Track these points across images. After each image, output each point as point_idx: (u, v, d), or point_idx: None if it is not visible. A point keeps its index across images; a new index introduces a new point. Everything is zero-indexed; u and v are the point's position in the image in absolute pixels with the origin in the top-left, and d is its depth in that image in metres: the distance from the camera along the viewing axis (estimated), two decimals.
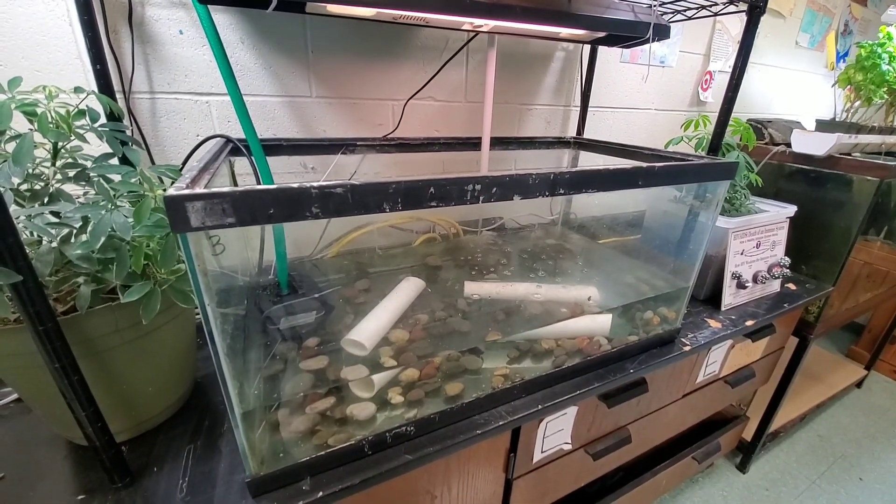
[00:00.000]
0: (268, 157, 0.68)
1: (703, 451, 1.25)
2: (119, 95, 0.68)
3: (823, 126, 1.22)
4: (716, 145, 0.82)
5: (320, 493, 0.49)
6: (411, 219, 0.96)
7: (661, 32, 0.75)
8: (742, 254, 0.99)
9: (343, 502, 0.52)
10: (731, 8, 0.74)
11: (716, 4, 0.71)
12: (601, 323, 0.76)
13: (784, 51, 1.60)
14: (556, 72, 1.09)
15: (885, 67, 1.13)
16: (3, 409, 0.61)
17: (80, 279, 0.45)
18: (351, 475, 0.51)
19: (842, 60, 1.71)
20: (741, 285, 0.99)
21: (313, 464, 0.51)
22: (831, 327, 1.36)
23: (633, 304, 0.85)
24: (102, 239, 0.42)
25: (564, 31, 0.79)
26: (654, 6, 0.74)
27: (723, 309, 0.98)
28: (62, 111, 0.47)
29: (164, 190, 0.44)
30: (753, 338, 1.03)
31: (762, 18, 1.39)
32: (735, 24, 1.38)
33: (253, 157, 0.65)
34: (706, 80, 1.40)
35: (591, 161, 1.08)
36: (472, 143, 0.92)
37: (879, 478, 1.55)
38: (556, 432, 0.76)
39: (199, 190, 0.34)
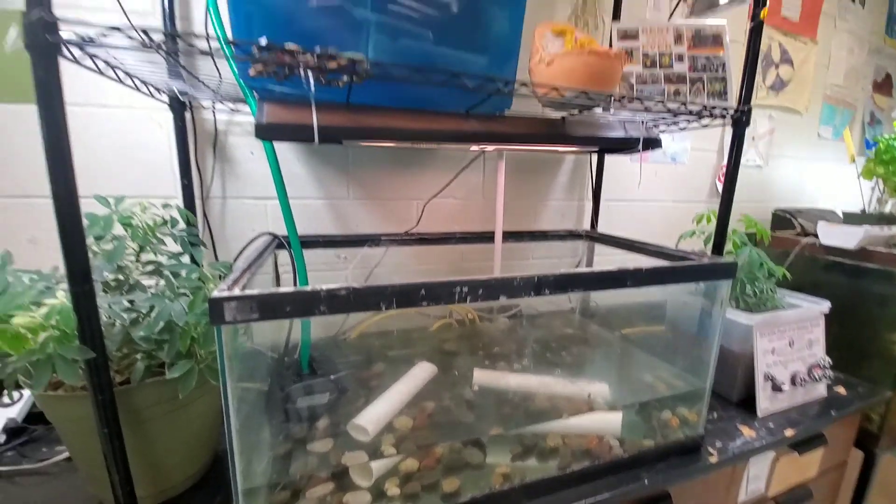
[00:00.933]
0: (307, 250, 0.80)
1: None
2: (198, 200, 0.86)
3: (851, 218, 1.20)
4: (719, 242, 0.84)
5: None
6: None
7: (652, 144, 0.83)
8: (773, 353, 0.94)
9: None
10: (719, 121, 0.82)
11: (703, 117, 0.79)
12: (611, 421, 0.75)
13: (806, 143, 1.63)
14: (567, 172, 1.20)
15: None
16: (53, 467, 0.69)
17: (138, 356, 0.55)
18: None
19: (871, 150, 1.71)
20: (777, 388, 0.93)
21: None
22: None
23: (647, 402, 0.82)
24: (162, 323, 0.53)
25: (562, 149, 0.90)
26: (644, 122, 0.83)
27: (759, 415, 0.91)
28: (150, 222, 0.61)
29: (216, 284, 0.54)
30: (800, 450, 0.93)
31: (779, 115, 1.46)
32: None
33: (292, 251, 0.77)
34: (722, 173, 1.44)
35: (603, 252, 1.12)
36: (488, 237, 1.01)
37: None
38: None
39: (234, 293, 0.43)
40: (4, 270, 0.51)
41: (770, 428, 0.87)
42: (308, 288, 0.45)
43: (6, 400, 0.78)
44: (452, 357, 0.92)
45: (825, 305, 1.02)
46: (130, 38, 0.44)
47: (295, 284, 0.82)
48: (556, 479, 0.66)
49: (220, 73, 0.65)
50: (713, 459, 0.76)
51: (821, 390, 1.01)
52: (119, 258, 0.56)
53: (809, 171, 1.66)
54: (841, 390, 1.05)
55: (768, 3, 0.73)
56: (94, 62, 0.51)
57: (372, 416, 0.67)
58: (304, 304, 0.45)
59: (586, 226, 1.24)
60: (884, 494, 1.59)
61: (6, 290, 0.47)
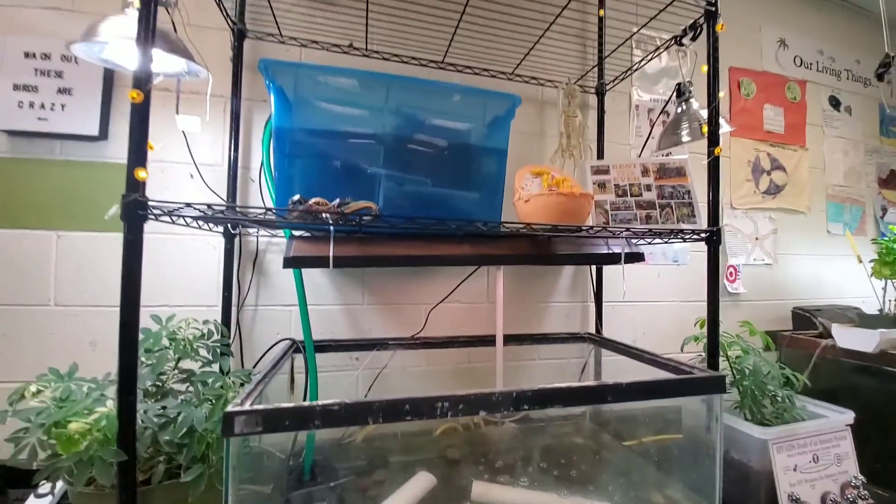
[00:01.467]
0: (322, 354, 0.90)
1: None
2: (234, 308, 1.00)
3: (867, 320, 1.17)
4: (712, 352, 0.85)
5: None
6: None
7: (635, 258, 0.91)
8: (795, 470, 0.88)
9: None
10: (695, 236, 0.89)
11: (681, 233, 0.87)
12: None
13: (816, 240, 1.64)
14: (568, 276, 1.28)
15: None
16: None
17: (161, 458, 0.63)
18: None
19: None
20: None
21: None
22: None
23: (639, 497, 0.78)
24: (185, 429, 0.61)
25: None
26: (628, 241, 0.92)
27: None
28: (191, 335, 0.73)
29: (236, 393, 0.63)
30: None
31: (780, 216, 1.51)
32: (747, 224, 1.52)
33: (307, 359, 0.86)
34: (730, 273, 1.47)
35: (608, 354, 1.14)
36: (491, 340, 1.06)
37: None
38: None
39: (244, 408, 0.52)
40: (71, 379, 0.63)
41: None
42: (305, 404, 0.53)
43: (41, 491, 0.85)
44: (453, 465, 0.92)
45: (849, 415, 0.96)
46: (199, 210, 0.60)
47: (306, 388, 0.89)
48: None
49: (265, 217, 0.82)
50: None
51: None
52: (161, 369, 0.67)
53: (825, 267, 1.65)
54: None
55: (720, 141, 0.85)
56: (170, 219, 0.67)
57: None
58: (302, 418, 0.52)
59: (592, 328, 1.27)
60: None
61: (69, 398, 0.58)
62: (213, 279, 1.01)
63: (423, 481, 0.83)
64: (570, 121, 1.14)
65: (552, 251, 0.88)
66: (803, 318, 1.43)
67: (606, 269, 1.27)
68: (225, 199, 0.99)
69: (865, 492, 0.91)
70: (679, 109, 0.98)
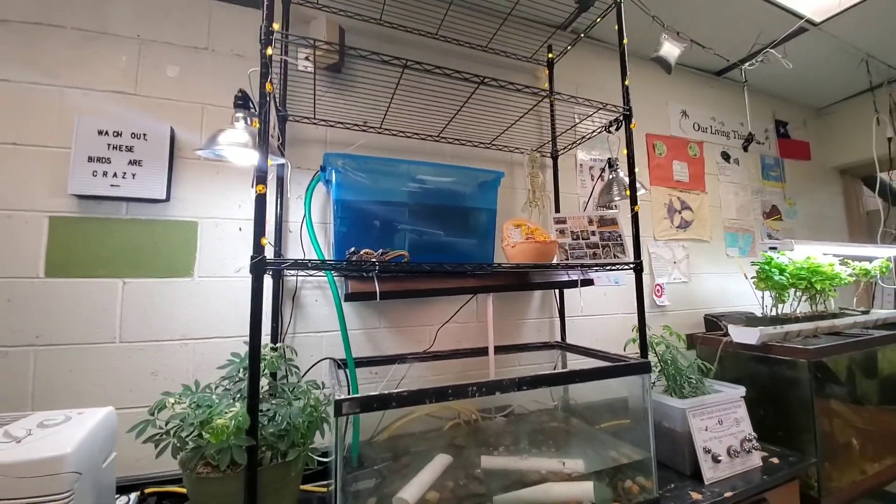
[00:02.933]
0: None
1: None
2: (280, 335, 1.22)
3: (753, 321, 1.60)
4: (643, 347, 1.20)
5: None
6: (442, 408, 1.32)
7: (588, 283, 1.26)
8: (707, 430, 1.23)
9: None
10: (625, 267, 1.25)
11: (616, 265, 1.23)
12: (585, 489, 1.01)
13: (718, 262, 2.13)
14: (538, 298, 1.61)
15: (777, 278, 1.58)
16: None
17: (264, 447, 0.85)
18: None
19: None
20: (716, 459, 1.20)
21: None
22: (848, 500, 1.38)
23: (613, 473, 1.09)
24: (284, 423, 0.84)
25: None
26: (582, 271, 1.27)
27: (706, 482, 1.16)
28: (269, 356, 0.96)
29: (312, 394, 0.87)
30: None
31: (690, 245, 1.92)
32: (667, 252, 1.96)
33: (348, 371, 1.11)
34: (657, 289, 1.88)
35: (571, 357, 1.47)
36: (483, 352, 1.35)
37: None
38: None
39: (348, 396, 0.77)
40: (206, 392, 0.84)
41: (715, 492, 1.12)
42: (385, 392, 0.79)
43: (120, 499, 1.01)
44: (462, 449, 1.19)
45: (742, 390, 1.35)
46: (301, 264, 0.86)
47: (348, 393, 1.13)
48: None
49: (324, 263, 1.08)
50: None
51: (756, 460, 1.27)
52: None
53: (727, 282, 2.12)
54: (774, 460, 1.30)
55: (638, 201, 1.24)
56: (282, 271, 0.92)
57: (410, 492, 0.93)
58: (383, 401, 0.79)
59: (558, 337, 1.60)
60: None
61: (212, 405, 0.80)
62: (267, 313, 1.23)
63: (442, 460, 1.08)
64: (534, 180, 1.51)
65: (530, 280, 1.21)
66: (712, 322, 1.86)
67: (567, 291, 1.62)
68: (274, 248, 1.23)
69: (756, 444, 1.28)
70: (610, 177, 1.37)
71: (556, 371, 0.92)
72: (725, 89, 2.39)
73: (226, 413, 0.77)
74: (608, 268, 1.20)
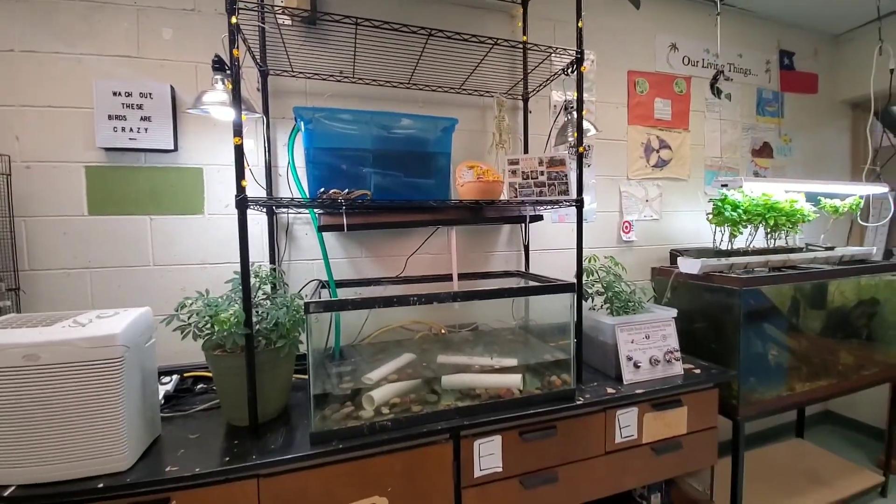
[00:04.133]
0: (338, 289, 1.40)
1: None
2: (276, 262, 1.49)
3: (702, 253, 1.74)
4: (578, 273, 1.39)
5: (341, 446, 1.04)
6: (413, 322, 1.59)
7: (537, 219, 1.44)
8: (633, 342, 1.45)
9: (344, 463, 1.05)
10: (567, 205, 1.40)
11: (563, 204, 1.38)
12: (514, 379, 1.27)
13: (695, 200, 2.21)
14: (506, 233, 1.80)
15: (728, 213, 1.69)
16: (197, 413, 1.25)
17: (260, 338, 1.14)
18: (354, 440, 1.06)
19: None
20: (636, 365, 1.43)
21: (341, 433, 1.06)
22: (764, 412, 1.61)
23: (542, 371, 1.34)
24: (273, 321, 1.12)
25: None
26: (528, 206, 1.44)
27: (625, 383, 1.41)
28: (264, 274, 1.22)
29: (299, 304, 1.14)
30: (660, 409, 1.40)
31: (666, 183, 2.02)
32: (640, 191, 2.06)
33: (330, 289, 1.37)
34: (626, 226, 2.02)
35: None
36: (449, 277, 1.59)
37: None
38: (488, 455, 1.21)
39: (313, 300, 1.03)
40: (214, 298, 1.13)
41: (628, 389, 1.36)
42: (341, 298, 1.04)
43: (165, 380, 1.36)
44: (427, 352, 1.47)
45: (673, 312, 1.54)
46: (269, 202, 1.09)
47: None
48: (477, 405, 1.19)
49: (293, 201, 1.30)
50: (580, 401, 1.26)
51: (677, 370, 1.50)
52: (257, 290, 1.17)
53: (701, 221, 2.21)
54: (697, 371, 1.53)
55: (584, 140, 1.36)
56: (260, 208, 1.15)
57: (376, 373, 1.22)
58: (341, 305, 1.04)
59: (524, 269, 1.81)
60: (810, 479, 1.96)
61: (215, 305, 1.08)
62: (259, 243, 1.49)
63: (407, 357, 1.37)
64: (500, 123, 1.63)
65: (484, 215, 1.39)
66: (675, 256, 2.00)
67: (533, 227, 1.80)
68: (265, 189, 1.46)
69: (678, 356, 1.50)
70: (566, 119, 1.47)
71: (487, 288, 1.13)
72: (724, 17, 2.27)
73: (227, 310, 1.05)
74: (552, 205, 1.37)
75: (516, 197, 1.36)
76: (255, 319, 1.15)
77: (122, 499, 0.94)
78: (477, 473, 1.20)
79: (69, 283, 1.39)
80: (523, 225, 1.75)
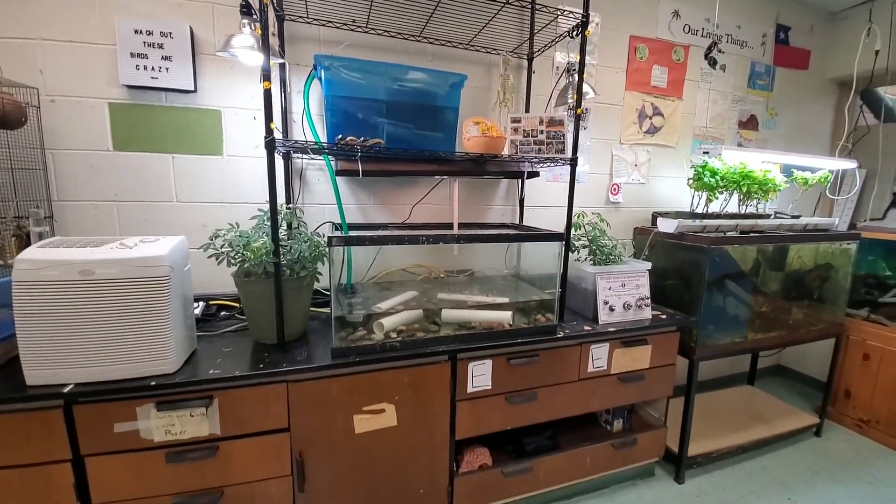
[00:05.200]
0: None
1: (620, 440, 1.74)
2: (293, 204, 1.60)
3: (680, 215, 1.92)
4: (568, 224, 1.55)
5: (358, 359, 1.22)
6: (415, 265, 1.75)
7: (533, 175, 1.57)
8: (610, 289, 1.65)
9: (360, 375, 1.24)
10: (562, 163, 1.53)
11: (558, 162, 1.51)
12: (505, 315, 1.46)
13: (678, 167, 2.35)
14: (504, 188, 1.94)
15: (706, 179, 1.85)
16: (226, 334, 1.41)
17: (285, 268, 1.28)
18: (369, 355, 1.24)
19: None
20: (611, 308, 1.63)
21: (357, 350, 1.24)
22: (717, 354, 1.86)
23: (530, 311, 1.53)
24: (297, 254, 1.26)
25: (485, 176, 1.64)
26: (527, 163, 1.57)
27: (600, 323, 1.61)
28: (286, 212, 1.35)
29: (318, 240, 1.28)
30: (627, 345, 1.62)
31: (655, 150, 2.14)
32: (630, 155, 2.19)
33: (342, 229, 1.51)
34: (614, 188, 2.17)
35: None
36: (450, 225, 1.73)
37: (808, 500, 1.84)
38: (480, 375, 1.42)
39: (335, 234, 1.16)
40: (244, 230, 1.25)
41: (602, 329, 1.57)
42: (361, 234, 1.18)
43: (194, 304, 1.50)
44: (428, 291, 1.64)
45: (648, 265, 1.73)
46: (295, 146, 1.19)
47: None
48: (472, 334, 1.38)
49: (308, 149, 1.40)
50: (560, 335, 1.47)
51: (646, 315, 1.71)
52: (283, 226, 1.30)
53: (680, 187, 2.37)
54: (663, 316, 1.74)
55: (582, 104, 1.47)
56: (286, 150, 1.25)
57: (385, 302, 1.39)
58: (360, 240, 1.18)
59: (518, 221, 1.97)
60: (753, 417, 2.24)
61: (247, 236, 1.21)
62: (280, 185, 1.59)
63: (410, 293, 1.54)
64: (504, 81, 1.71)
65: (485, 169, 1.52)
66: (655, 218, 2.17)
67: (528, 184, 1.93)
68: (281, 134, 1.55)
69: (648, 303, 1.70)
70: (567, 80, 1.57)
71: (488, 233, 1.28)
72: None
73: (259, 240, 1.19)
74: (549, 162, 1.50)
75: (517, 153, 1.48)
76: (282, 251, 1.29)
77: (172, 395, 1.11)
78: (470, 389, 1.41)
79: (97, 214, 1.49)
80: (520, 180, 1.89)
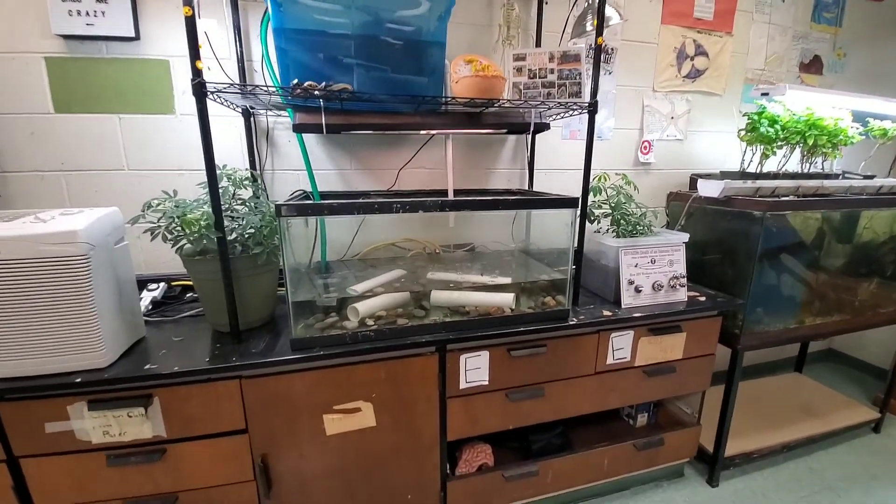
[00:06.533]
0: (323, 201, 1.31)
1: (644, 440, 1.49)
2: (258, 170, 1.38)
3: (727, 175, 1.58)
4: (584, 187, 1.26)
5: (322, 352, 1.01)
6: (406, 240, 1.52)
7: (543, 128, 1.28)
8: (636, 267, 1.36)
9: (327, 370, 1.03)
10: (578, 111, 1.23)
11: (573, 108, 1.21)
12: (506, 298, 1.21)
13: (725, 119, 1.97)
14: (510, 148, 1.64)
15: (763, 130, 1.49)
16: (183, 319, 1.24)
17: (237, 244, 1.08)
18: (336, 348, 1.03)
19: None
20: (637, 290, 1.36)
21: (322, 341, 1.04)
22: (766, 343, 1.56)
23: (535, 289, 1.28)
24: (249, 227, 1.05)
25: (483, 131, 1.35)
26: (534, 111, 1.28)
27: (623, 307, 1.34)
28: (238, 177, 1.13)
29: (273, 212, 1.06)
30: (656, 333, 1.35)
31: (696, 98, 1.79)
32: (665, 105, 1.84)
33: (313, 198, 1.28)
34: (645, 146, 1.83)
35: None
36: (444, 193, 1.48)
37: None
38: (475, 369, 1.19)
39: (286, 202, 0.94)
40: (178, 198, 1.05)
41: (626, 314, 1.30)
42: (318, 202, 0.95)
43: (152, 286, 1.34)
44: (420, 269, 1.41)
45: (685, 237, 1.42)
46: (232, 90, 0.95)
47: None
48: (465, 321, 1.14)
49: (270, 99, 1.16)
50: (573, 322, 1.21)
51: (681, 296, 1.42)
52: (227, 195, 1.08)
53: (727, 144, 2.00)
54: (702, 298, 1.45)
55: (605, 34, 1.15)
56: (214, 98, 1.02)
57: (361, 286, 1.17)
58: (317, 209, 0.95)
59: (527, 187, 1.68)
60: (801, 409, 1.96)
61: (184, 206, 1.00)
62: (238, 148, 1.38)
63: (396, 272, 1.31)
64: (508, 13, 1.40)
65: (483, 121, 1.24)
66: (695, 181, 1.83)
67: (540, 144, 1.63)
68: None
69: (684, 283, 1.41)
70: (586, 3, 1.24)
71: (480, 198, 1.03)
72: None
73: (195, 211, 0.98)
74: (562, 109, 1.20)
75: (520, 98, 1.19)
76: (232, 226, 1.08)
77: (103, 393, 0.95)
78: (462, 385, 1.19)
79: (44, 186, 1.32)
80: (528, 136, 1.59)
